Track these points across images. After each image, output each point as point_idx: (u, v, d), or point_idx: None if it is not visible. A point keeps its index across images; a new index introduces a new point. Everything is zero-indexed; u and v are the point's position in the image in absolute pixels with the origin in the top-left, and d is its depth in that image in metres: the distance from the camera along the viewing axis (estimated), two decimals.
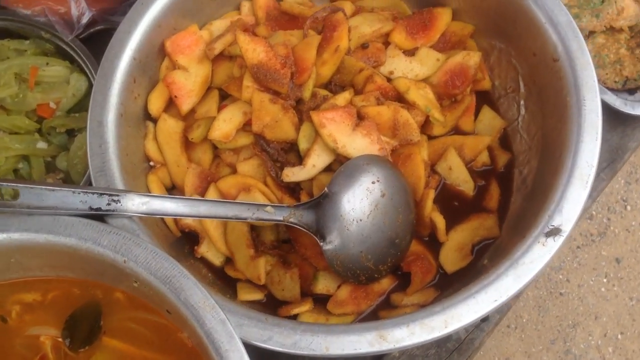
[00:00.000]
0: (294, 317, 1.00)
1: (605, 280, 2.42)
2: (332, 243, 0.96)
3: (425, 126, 1.13)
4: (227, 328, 0.83)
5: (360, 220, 0.96)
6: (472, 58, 1.14)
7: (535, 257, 0.89)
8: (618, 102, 1.17)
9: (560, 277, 2.44)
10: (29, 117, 1.15)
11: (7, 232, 0.88)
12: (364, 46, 1.14)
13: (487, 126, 1.16)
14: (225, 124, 1.07)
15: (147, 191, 1.08)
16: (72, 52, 1.17)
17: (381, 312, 1.03)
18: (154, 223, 1.03)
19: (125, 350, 0.91)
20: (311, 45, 1.07)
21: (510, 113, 1.16)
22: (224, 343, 0.81)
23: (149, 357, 0.90)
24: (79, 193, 0.91)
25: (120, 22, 1.10)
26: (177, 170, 1.11)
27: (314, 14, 1.12)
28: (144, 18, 1.09)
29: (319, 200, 0.97)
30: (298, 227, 0.96)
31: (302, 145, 1.04)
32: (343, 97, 1.08)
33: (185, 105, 1.11)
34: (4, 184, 0.89)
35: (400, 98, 1.11)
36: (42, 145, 1.14)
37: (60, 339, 0.91)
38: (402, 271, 1.05)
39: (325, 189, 0.97)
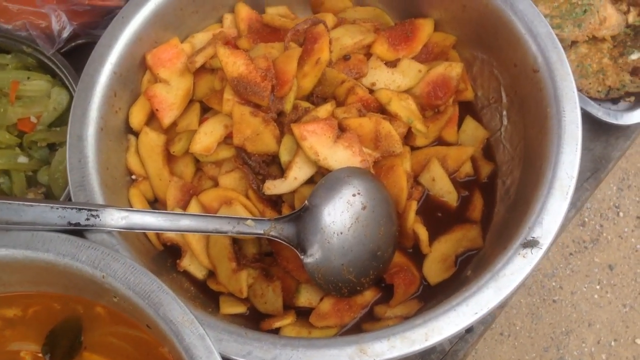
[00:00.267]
0: (277, 331, 1.00)
1: (598, 287, 2.41)
2: (313, 256, 0.95)
3: (408, 137, 1.13)
4: (206, 343, 0.82)
5: (341, 233, 0.95)
6: (454, 69, 1.14)
7: (515, 269, 0.88)
8: (601, 113, 1.17)
9: (553, 284, 2.44)
10: (9, 132, 1.14)
11: None
12: (345, 58, 1.14)
13: (470, 137, 1.16)
14: (206, 137, 1.06)
15: (128, 205, 1.08)
16: (53, 66, 1.17)
17: (364, 324, 1.02)
18: (135, 237, 1.02)
19: None
20: (292, 57, 1.07)
21: (493, 123, 1.16)
22: (203, 359, 0.81)
23: None
24: (58, 208, 0.91)
25: (101, 35, 1.10)
26: (159, 183, 1.10)
27: (295, 26, 1.12)
28: (125, 32, 1.09)
29: (299, 214, 0.96)
30: (279, 240, 0.96)
31: (284, 157, 1.04)
32: (325, 109, 1.07)
33: (167, 119, 1.10)
34: None
35: (382, 109, 1.11)
36: (23, 159, 1.13)
37: (40, 355, 0.91)
38: (385, 283, 1.04)
39: (306, 202, 0.96)
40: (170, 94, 1.11)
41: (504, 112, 1.13)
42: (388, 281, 1.03)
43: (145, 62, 1.13)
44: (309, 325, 1.00)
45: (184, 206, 1.07)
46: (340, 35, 1.15)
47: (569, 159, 0.94)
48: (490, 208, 1.10)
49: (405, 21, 1.21)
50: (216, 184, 1.09)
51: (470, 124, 1.17)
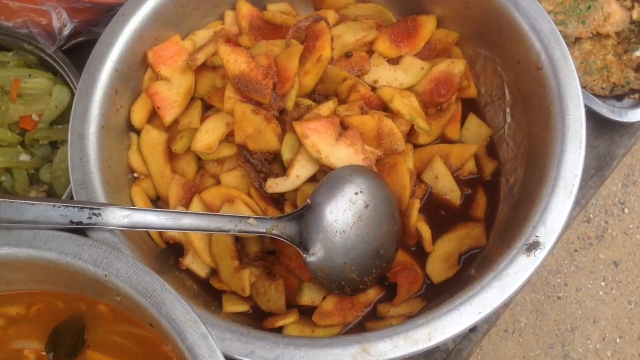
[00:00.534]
0: (280, 330, 0.99)
1: (603, 283, 2.40)
2: (315, 255, 0.95)
3: (411, 135, 1.12)
4: (209, 342, 0.82)
5: (344, 232, 0.95)
6: (457, 66, 1.13)
7: (519, 269, 0.88)
8: (605, 110, 1.16)
9: (559, 280, 2.43)
10: (11, 130, 1.14)
11: None
12: (347, 55, 1.14)
13: (473, 134, 1.15)
14: (208, 136, 1.06)
15: (130, 203, 1.08)
16: (54, 64, 1.17)
17: (368, 323, 1.02)
18: (138, 236, 1.02)
19: None
20: (294, 55, 1.07)
21: (497, 121, 1.15)
22: (206, 358, 0.81)
23: None
24: (60, 207, 0.91)
25: (103, 32, 1.10)
26: (161, 181, 1.10)
27: (297, 23, 1.11)
28: (126, 29, 1.08)
29: (302, 212, 0.96)
30: (281, 239, 0.95)
31: (286, 156, 1.03)
32: (327, 107, 1.07)
33: (169, 117, 1.10)
34: None
35: (384, 107, 1.10)
36: (25, 158, 1.13)
37: (44, 353, 0.91)
38: (388, 282, 1.03)
39: (308, 200, 0.96)
40: (171, 91, 1.11)
41: (508, 110, 1.13)
42: (391, 280, 1.03)
43: (147, 60, 1.12)
44: (312, 324, 1.00)
45: (187, 204, 1.07)
46: (342, 32, 1.15)
47: (573, 157, 0.93)
48: (494, 206, 1.09)
49: (407, 18, 1.20)
50: (218, 182, 1.09)
51: (473, 121, 1.16)
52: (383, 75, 1.14)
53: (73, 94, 1.16)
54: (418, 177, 1.11)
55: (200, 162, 1.11)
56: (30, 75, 1.16)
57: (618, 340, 2.32)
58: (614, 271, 2.42)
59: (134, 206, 1.07)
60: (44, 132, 1.13)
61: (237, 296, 1.03)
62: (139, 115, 1.11)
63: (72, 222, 0.91)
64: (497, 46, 1.11)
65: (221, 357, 0.80)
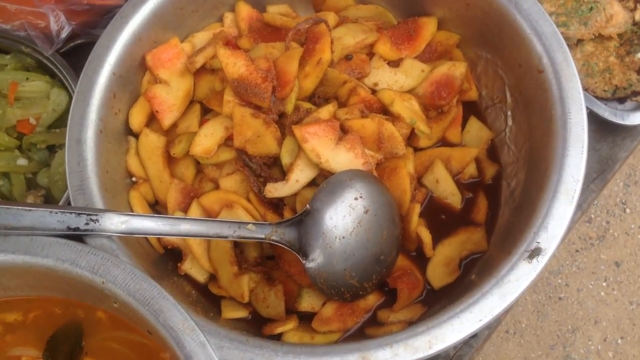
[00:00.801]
0: (279, 336, 0.99)
1: (604, 284, 2.40)
2: (314, 261, 0.94)
3: (412, 138, 1.11)
4: (207, 351, 0.81)
5: (343, 237, 0.94)
6: (458, 68, 1.12)
7: (520, 275, 0.87)
8: (607, 113, 1.15)
9: (559, 281, 2.42)
10: (8, 134, 1.13)
11: None
12: (347, 57, 1.13)
13: (474, 137, 1.14)
14: (207, 140, 1.05)
15: (128, 208, 1.07)
16: (52, 67, 1.16)
17: (368, 329, 1.01)
18: (136, 241, 1.01)
19: None
20: (293, 58, 1.06)
21: (498, 124, 1.14)
22: None
23: None
24: (57, 213, 0.90)
25: (100, 35, 1.09)
26: (159, 185, 1.09)
27: (296, 25, 1.10)
28: (124, 32, 1.08)
29: (301, 218, 0.95)
30: (280, 245, 0.95)
31: (285, 160, 1.02)
32: (326, 110, 1.06)
33: (167, 120, 1.09)
34: None
35: (385, 110, 1.09)
36: (22, 162, 1.12)
37: None
38: (388, 287, 1.03)
39: (308, 205, 0.95)
40: (170, 95, 1.10)
41: (509, 113, 1.12)
42: (391, 285, 1.02)
43: (145, 63, 1.11)
44: (312, 330, 0.99)
45: (185, 208, 1.06)
46: (342, 34, 1.14)
47: (575, 162, 0.93)
48: (494, 210, 1.08)
49: (408, 20, 1.19)
50: (217, 186, 1.08)
51: (474, 124, 1.15)
52: (383, 77, 1.13)
53: (71, 97, 1.15)
54: (418, 180, 1.10)
55: (198, 165, 1.10)
56: (27, 78, 1.15)
57: (619, 340, 2.31)
58: (615, 271, 2.41)
59: (132, 211, 1.07)
60: (41, 136, 1.13)
61: (236, 302, 1.02)
62: (137, 118, 1.10)
63: (69, 228, 0.90)
64: (498, 48, 1.10)
65: None
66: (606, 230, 2.47)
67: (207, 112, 1.12)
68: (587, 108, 0.97)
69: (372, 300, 1.02)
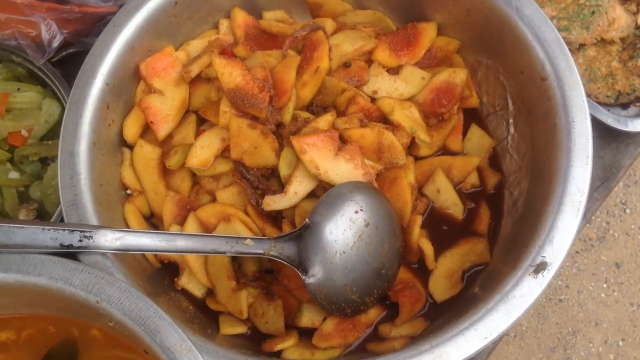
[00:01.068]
0: (279, 353, 0.97)
1: (605, 285, 2.38)
2: (314, 276, 0.92)
3: (412, 147, 1.09)
4: None
5: (344, 252, 0.92)
6: (458, 75, 1.10)
7: (526, 291, 0.85)
8: (610, 119, 1.13)
9: (560, 283, 2.40)
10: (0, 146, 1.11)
11: None
12: (346, 65, 1.10)
13: (475, 145, 1.12)
14: (203, 151, 1.03)
15: (123, 221, 1.04)
16: (44, 77, 1.13)
17: (369, 344, 0.99)
18: (131, 256, 0.99)
19: None
20: (290, 66, 1.03)
21: (499, 131, 1.12)
22: None
23: None
24: (49, 230, 0.88)
25: (93, 43, 1.06)
26: (155, 197, 1.07)
27: (293, 33, 1.08)
28: (117, 41, 1.05)
29: (300, 232, 0.93)
30: (279, 260, 0.92)
31: (283, 171, 1.00)
32: (325, 120, 1.04)
33: (162, 131, 1.07)
34: None
35: (384, 119, 1.07)
36: (14, 175, 1.09)
37: None
38: (390, 301, 1.01)
39: (307, 219, 0.93)
40: (165, 105, 1.08)
41: (511, 120, 1.09)
42: (393, 299, 1.00)
43: (139, 72, 1.09)
44: (312, 346, 0.97)
45: (181, 221, 1.04)
46: (340, 41, 1.11)
47: (580, 173, 0.90)
48: (497, 221, 1.06)
49: (407, 25, 1.17)
50: (214, 198, 1.06)
51: (475, 132, 1.13)
52: (382, 85, 1.10)
53: (63, 108, 1.12)
54: (419, 190, 1.08)
55: (195, 177, 1.08)
56: (18, 89, 1.12)
57: (620, 342, 2.29)
58: (615, 272, 2.39)
59: (127, 224, 1.04)
60: (33, 148, 1.10)
61: (235, 317, 1.00)
62: (131, 129, 1.07)
63: (62, 245, 0.88)
64: (500, 54, 1.08)
65: None
66: (606, 231, 2.45)
67: (203, 122, 1.09)
68: (590, 114, 0.95)
69: (374, 314, 1.00)
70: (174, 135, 1.07)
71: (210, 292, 1.03)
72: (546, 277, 0.85)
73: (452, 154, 1.12)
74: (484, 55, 1.12)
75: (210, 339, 0.90)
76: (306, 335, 0.99)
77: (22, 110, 1.12)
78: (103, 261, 0.91)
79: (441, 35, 1.17)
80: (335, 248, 0.92)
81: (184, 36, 1.16)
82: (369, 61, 1.13)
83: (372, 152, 1.03)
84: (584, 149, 0.92)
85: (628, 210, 2.48)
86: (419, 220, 1.00)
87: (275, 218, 1.03)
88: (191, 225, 1.02)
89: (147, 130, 1.09)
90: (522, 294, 0.85)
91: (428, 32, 1.15)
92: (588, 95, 1.17)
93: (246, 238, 0.92)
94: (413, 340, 0.92)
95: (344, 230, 0.92)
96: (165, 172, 1.08)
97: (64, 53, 1.16)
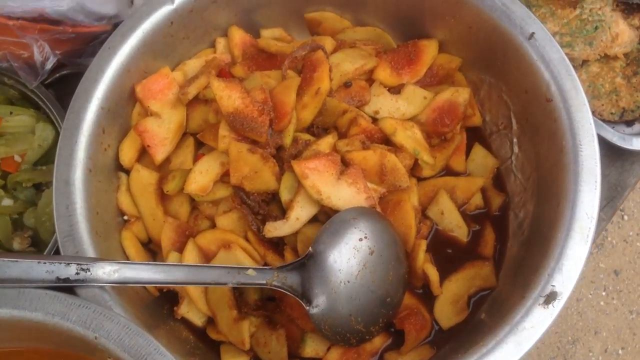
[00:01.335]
0: None
1: (604, 293, 2.37)
2: (319, 307, 0.89)
3: (414, 168, 1.07)
4: None
5: (348, 281, 0.90)
6: (461, 94, 1.08)
7: (536, 322, 0.83)
8: (616, 138, 1.11)
9: None
10: None
11: None
12: (346, 85, 1.08)
13: (479, 165, 1.10)
14: (202, 177, 1.00)
15: (121, 249, 1.02)
16: (36, 99, 1.10)
17: None
18: (129, 286, 0.96)
19: None
20: (290, 88, 1.01)
21: (503, 151, 1.10)
22: None
23: None
24: (45, 263, 0.85)
25: (87, 64, 1.03)
26: (153, 223, 1.04)
27: (293, 52, 1.05)
28: (112, 63, 1.02)
29: (303, 261, 0.91)
30: (282, 290, 0.90)
31: (284, 196, 0.98)
32: (326, 142, 1.02)
33: (159, 155, 1.04)
34: None
35: (386, 140, 1.05)
36: (7, 202, 1.06)
37: None
38: (395, 328, 0.98)
39: (310, 248, 0.91)
40: (162, 128, 1.05)
41: (515, 140, 1.07)
42: (398, 326, 0.97)
43: (135, 94, 1.06)
44: None
45: (180, 248, 1.01)
46: (340, 60, 1.09)
47: (588, 198, 0.89)
48: (502, 243, 1.04)
49: (407, 43, 1.15)
50: (213, 224, 1.03)
51: (479, 152, 1.11)
52: (384, 105, 1.08)
53: (57, 132, 1.09)
54: (422, 212, 1.06)
55: (193, 202, 1.05)
56: (11, 113, 1.09)
57: (620, 351, 2.28)
58: (614, 280, 2.38)
59: (125, 252, 1.02)
60: (27, 174, 1.07)
61: (236, 347, 0.97)
62: (127, 154, 1.05)
63: (58, 279, 0.85)
64: (503, 73, 1.06)
65: None
66: (604, 238, 2.44)
67: (201, 145, 1.07)
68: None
69: (379, 342, 0.98)
70: (172, 160, 1.05)
71: (211, 320, 1.01)
72: (557, 307, 0.83)
73: (456, 174, 1.10)
74: (486, 73, 1.10)
75: None
76: None
77: (14, 135, 1.09)
78: (101, 294, 0.88)
79: (442, 52, 1.15)
80: (339, 277, 0.90)
81: (180, 56, 1.14)
82: (370, 80, 1.11)
83: (374, 175, 1.00)
84: (592, 172, 0.90)
85: (626, 217, 2.47)
86: (423, 245, 0.98)
87: (276, 244, 1.00)
88: (190, 253, 0.99)
89: (143, 153, 1.07)
90: (532, 325, 0.83)
91: (429, 50, 1.13)
92: (592, 113, 1.15)
93: (248, 268, 0.90)
94: None
95: (349, 259, 0.90)
96: (163, 197, 1.05)
97: (57, 75, 1.13)
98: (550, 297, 0.82)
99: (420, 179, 1.08)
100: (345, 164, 1.00)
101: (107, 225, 0.99)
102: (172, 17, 1.06)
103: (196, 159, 1.04)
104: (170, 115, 1.06)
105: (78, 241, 0.92)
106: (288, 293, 0.90)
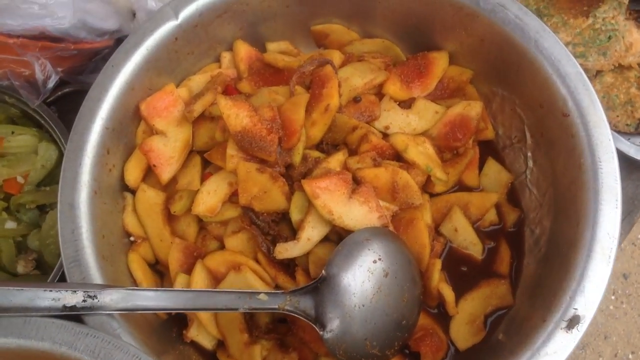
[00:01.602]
0: None
1: (613, 297, 2.35)
2: (333, 331, 0.87)
3: (426, 183, 1.04)
4: None
5: (363, 305, 0.87)
6: (473, 108, 1.06)
7: (559, 347, 0.81)
8: (633, 150, 1.08)
9: None
10: None
11: None
12: (356, 100, 1.06)
13: (493, 180, 1.08)
14: (210, 197, 0.98)
15: (128, 272, 0.99)
16: (39, 118, 1.08)
17: None
18: None
19: None
20: (299, 105, 0.98)
21: (517, 165, 1.07)
22: None
23: None
24: (51, 291, 0.83)
25: (90, 81, 1.01)
26: (160, 244, 1.02)
27: (300, 68, 1.03)
28: (116, 81, 1.00)
29: (316, 285, 0.88)
30: (295, 315, 0.88)
31: (295, 216, 0.95)
32: (336, 160, 0.99)
33: (166, 174, 1.01)
34: None
35: (398, 156, 1.03)
36: (11, 225, 1.04)
37: None
38: (410, 350, 0.96)
39: (323, 271, 0.88)
40: (167, 146, 1.02)
41: (529, 154, 1.05)
42: (413, 349, 0.95)
43: (140, 112, 1.04)
44: None
45: (188, 269, 0.99)
46: (349, 74, 1.07)
47: (609, 217, 0.86)
48: (518, 260, 1.02)
49: (417, 55, 1.12)
50: (222, 244, 1.01)
51: (492, 166, 1.08)
52: (395, 120, 1.06)
53: (60, 151, 1.07)
54: (436, 229, 1.04)
55: (201, 222, 1.03)
56: (13, 132, 1.07)
57: (630, 356, 2.26)
58: (623, 284, 2.36)
59: (132, 275, 0.99)
60: (30, 196, 1.04)
61: None
62: (133, 174, 1.02)
63: (65, 307, 0.83)
64: (516, 86, 1.04)
65: None
66: None
67: (208, 163, 1.04)
68: None
69: None
70: (179, 180, 1.02)
71: (221, 343, 0.98)
72: (580, 331, 0.80)
73: (469, 189, 1.08)
74: (499, 86, 1.07)
75: None
76: None
77: (17, 155, 1.06)
78: (109, 322, 0.86)
79: (453, 64, 1.12)
80: (353, 301, 0.87)
81: (185, 71, 1.11)
82: (379, 94, 1.09)
83: (386, 193, 0.98)
84: (612, 191, 0.87)
85: None
86: (438, 264, 0.96)
87: (287, 266, 0.98)
88: (199, 275, 0.97)
89: (149, 172, 1.04)
90: (554, 351, 0.80)
91: (439, 62, 1.11)
92: None
93: (259, 293, 0.87)
94: None
95: (363, 282, 0.88)
96: (170, 217, 1.03)
97: (60, 93, 1.11)
98: (573, 322, 0.80)
99: (432, 195, 1.06)
100: (356, 181, 0.97)
101: (113, 248, 0.97)
102: (177, 32, 1.04)
103: (203, 178, 1.01)
104: (176, 133, 1.03)
105: (84, 267, 0.89)
106: (301, 318, 0.88)
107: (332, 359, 0.93)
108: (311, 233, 0.94)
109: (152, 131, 1.04)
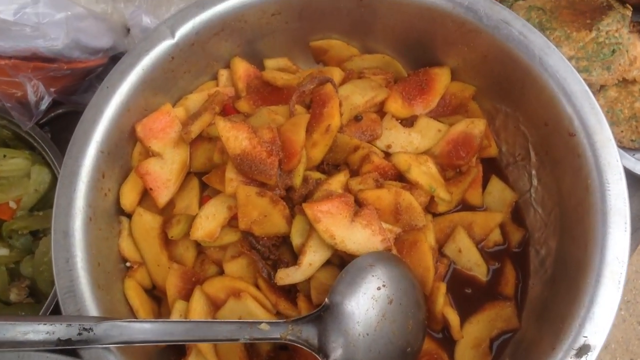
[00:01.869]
0: None
1: None
2: None
3: (430, 203, 1.02)
4: None
5: (367, 334, 0.85)
6: (477, 126, 1.04)
7: None
8: (638, 167, 1.07)
9: None
10: None
11: None
12: (357, 118, 1.04)
13: (496, 199, 1.06)
14: (208, 222, 0.95)
15: (124, 300, 0.97)
16: (31, 140, 1.05)
17: None
18: None
19: None
20: (299, 125, 0.96)
21: (521, 183, 1.05)
22: None
23: None
24: (45, 324, 0.80)
25: (83, 101, 0.98)
26: (157, 269, 0.99)
27: (300, 87, 1.01)
28: (111, 103, 0.97)
29: (319, 313, 0.86)
30: (297, 344, 0.85)
31: (296, 240, 0.93)
32: (338, 181, 0.97)
33: (162, 198, 0.99)
34: None
35: (400, 176, 1.00)
36: (3, 251, 1.01)
37: None
38: None
39: (326, 300, 0.86)
40: (164, 169, 1.00)
41: (533, 172, 1.03)
42: None
43: (135, 134, 1.01)
44: None
45: (186, 295, 0.97)
46: (349, 92, 1.05)
47: (618, 240, 0.84)
48: (524, 281, 1.00)
49: (418, 71, 1.10)
50: (221, 269, 0.99)
51: (496, 185, 1.06)
52: (397, 139, 1.04)
53: (54, 174, 1.04)
54: (439, 250, 1.01)
55: (199, 246, 1.00)
56: (4, 156, 1.04)
57: None
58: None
59: (129, 302, 0.96)
60: (22, 221, 1.02)
61: None
62: (129, 197, 1.00)
63: (60, 341, 0.80)
64: (520, 104, 1.02)
65: None
66: None
67: (205, 185, 1.02)
68: None
69: None
70: (176, 203, 1.00)
71: None
72: (590, 358, 0.78)
73: (472, 208, 1.06)
74: (502, 102, 1.06)
75: None
76: None
77: (9, 180, 1.03)
78: (105, 355, 0.84)
79: (455, 80, 1.10)
80: (358, 330, 0.85)
81: (181, 90, 1.09)
82: (381, 112, 1.06)
83: (389, 214, 0.96)
84: (620, 213, 0.86)
85: None
86: (443, 288, 0.94)
87: (289, 291, 0.96)
88: (197, 302, 0.94)
89: (145, 195, 1.02)
90: None
91: (441, 78, 1.09)
92: None
93: (261, 322, 0.85)
94: None
95: (367, 310, 0.85)
96: (167, 241, 1.00)
97: (53, 114, 1.08)
98: (583, 350, 0.78)
99: (435, 215, 1.04)
100: (358, 203, 0.95)
101: (109, 276, 0.94)
102: (173, 51, 1.01)
103: (202, 201, 0.99)
104: (173, 155, 1.01)
105: (79, 297, 0.87)
106: (304, 347, 0.85)
107: None
108: (313, 258, 0.92)
109: (148, 153, 1.02)
